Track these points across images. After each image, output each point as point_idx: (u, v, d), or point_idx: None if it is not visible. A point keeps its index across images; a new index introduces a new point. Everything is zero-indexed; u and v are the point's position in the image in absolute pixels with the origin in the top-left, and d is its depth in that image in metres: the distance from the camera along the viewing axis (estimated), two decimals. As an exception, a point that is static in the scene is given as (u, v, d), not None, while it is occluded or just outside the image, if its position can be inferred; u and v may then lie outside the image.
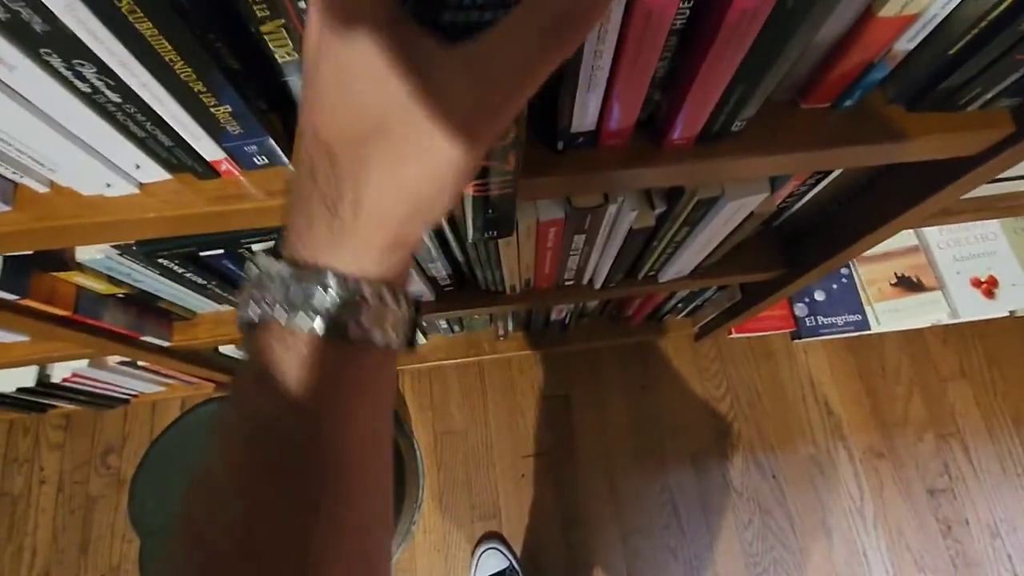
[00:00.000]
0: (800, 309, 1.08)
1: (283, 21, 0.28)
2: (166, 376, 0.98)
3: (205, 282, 0.57)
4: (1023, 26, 0.32)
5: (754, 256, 0.73)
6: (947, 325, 1.19)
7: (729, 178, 0.47)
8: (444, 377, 1.21)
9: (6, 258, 0.46)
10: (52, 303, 0.51)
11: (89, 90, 0.29)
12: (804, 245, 0.70)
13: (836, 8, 0.31)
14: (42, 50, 0.26)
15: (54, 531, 1.10)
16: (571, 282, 0.69)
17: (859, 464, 1.17)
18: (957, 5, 0.31)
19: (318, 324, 0.19)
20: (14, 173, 0.35)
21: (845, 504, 1.14)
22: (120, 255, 0.50)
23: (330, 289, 0.19)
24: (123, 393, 1.03)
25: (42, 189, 0.37)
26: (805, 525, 1.12)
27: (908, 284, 1.07)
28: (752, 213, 0.54)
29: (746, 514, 1.13)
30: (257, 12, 0.30)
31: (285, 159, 0.38)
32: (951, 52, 0.35)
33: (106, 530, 1.10)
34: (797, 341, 1.11)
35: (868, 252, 1.08)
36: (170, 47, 0.27)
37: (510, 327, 1.05)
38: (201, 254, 0.50)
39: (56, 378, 0.82)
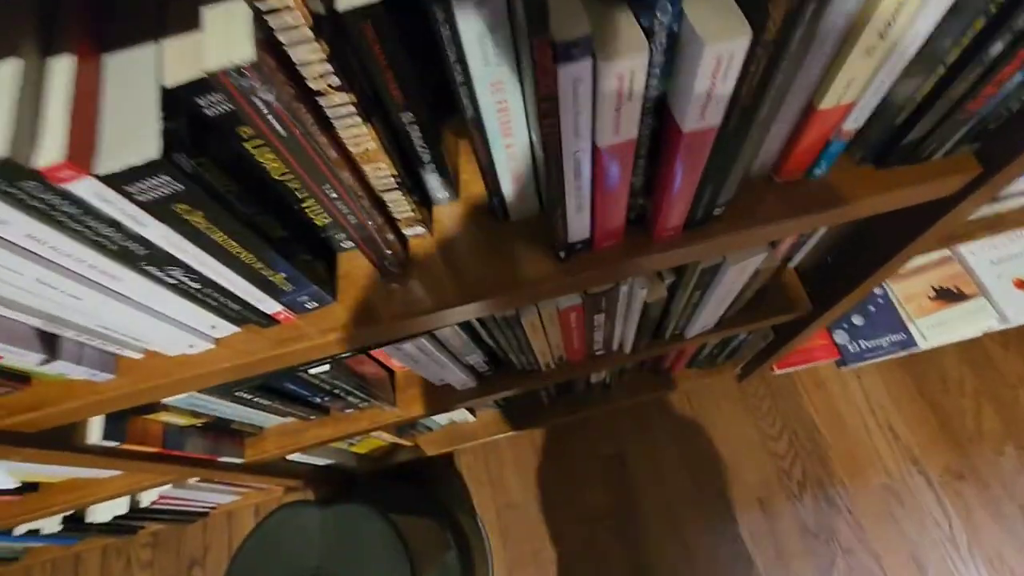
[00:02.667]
0: (840, 336, 1.07)
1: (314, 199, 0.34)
2: (241, 487, 1.04)
3: (270, 403, 0.64)
4: (954, 94, 0.36)
5: (777, 299, 0.75)
6: (1004, 330, 1.15)
7: (725, 251, 0.51)
8: (498, 451, 1.23)
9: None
10: (144, 442, 0.58)
11: (175, 283, 0.36)
12: (824, 281, 0.72)
13: (779, 112, 0.36)
14: (141, 263, 0.33)
15: (150, 649, 1.15)
16: (601, 352, 0.73)
17: (939, 488, 1.11)
18: (889, 90, 0.36)
19: None
20: (116, 348, 0.42)
21: (933, 534, 1.08)
22: (201, 393, 0.57)
23: None
24: (203, 507, 1.10)
25: (138, 356, 0.44)
26: (894, 562, 1.06)
27: (948, 295, 1.05)
28: (758, 270, 0.57)
29: (827, 556, 1.08)
30: (298, 195, 0.37)
31: (331, 299, 0.44)
32: (898, 122, 0.39)
33: (197, 643, 1.14)
34: (843, 368, 1.09)
35: (901, 269, 1.07)
36: (235, 244, 0.33)
37: (553, 395, 1.08)
38: (269, 384, 0.57)
39: (145, 502, 0.89)
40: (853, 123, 0.38)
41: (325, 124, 0.31)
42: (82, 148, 0.25)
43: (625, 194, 0.37)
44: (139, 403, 0.46)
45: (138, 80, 0.27)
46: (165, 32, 0.28)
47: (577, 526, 1.16)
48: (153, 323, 0.39)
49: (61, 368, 0.40)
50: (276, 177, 0.35)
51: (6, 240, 0.28)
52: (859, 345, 1.05)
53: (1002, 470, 1.11)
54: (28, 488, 0.73)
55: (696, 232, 0.43)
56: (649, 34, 0.26)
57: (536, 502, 1.18)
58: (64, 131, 0.25)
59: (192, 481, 0.91)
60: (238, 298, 0.39)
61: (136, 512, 0.91)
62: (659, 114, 0.31)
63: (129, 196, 0.27)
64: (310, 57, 0.26)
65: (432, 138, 0.39)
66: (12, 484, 0.53)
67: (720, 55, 0.26)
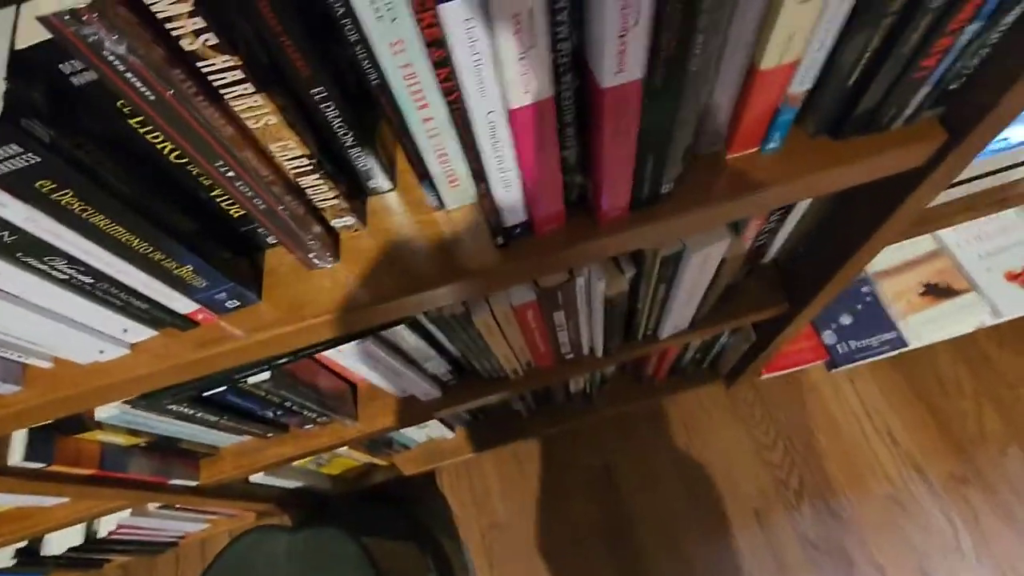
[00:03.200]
0: (829, 337, 1.03)
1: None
2: (207, 513, 1.00)
3: (216, 418, 0.60)
4: (905, 49, 0.33)
5: (753, 296, 0.72)
6: (998, 326, 1.11)
7: (680, 234, 0.48)
8: (481, 468, 1.18)
9: (30, 430, 0.50)
10: (78, 464, 0.54)
11: (65, 277, 0.32)
12: (799, 277, 0.69)
13: (718, 74, 0.34)
14: (16, 253, 0.30)
15: None
16: (571, 355, 0.69)
17: (944, 495, 1.06)
18: (835, 47, 0.33)
19: None
20: (19, 356, 0.39)
21: (939, 542, 1.02)
22: (133, 408, 0.53)
23: None
24: (170, 537, 1.05)
25: (46, 365, 0.41)
26: (899, 572, 1.01)
27: (937, 291, 1.02)
28: (724, 259, 0.54)
29: (830, 570, 1.02)
30: (203, 182, 0.34)
31: (255, 297, 0.41)
32: (849, 84, 0.36)
33: None
34: (834, 371, 1.05)
35: (885, 266, 1.05)
36: (123, 230, 0.30)
37: (533, 406, 1.04)
38: (205, 394, 0.53)
39: (103, 532, 0.85)
40: (800, 85, 0.35)
41: (214, 95, 0.28)
42: (-92, 111, 0.22)
43: (556, 168, 0.34)
44: (51, 417, 0.43)
45: (-12, 42, 0.24)
46: (24, -5, 0.25)
47: (566, 545, 1.10)
48: (53, 326, 0.36)
49: (-44, 379, 0.37)
50: (172, 160, 0.32)
51: None
52: (848, 345, 1.02)
53: (1008, 473, 1.06)
54: (-32, 520, 0.69)
55: (644, 212, 0.40)
56: (544, -32, 0.23)
57: (522, 521, 1.13)
58: None
59: (152, 508, 0.87)
60: (142, 295, 0.36)
61: (94, 543, 0.86)
62: (577, 69, 0.29)
63: (-25, 170, 0.24)
64: (175, 10, 0.24)
65: (353, 120, 0.36)
66: (-77, 512, 0.49)
67: (625, -11, 0.23)
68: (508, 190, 0.34)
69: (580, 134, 0.33)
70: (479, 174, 0.33)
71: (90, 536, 0.84)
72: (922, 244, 1.06)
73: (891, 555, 1.02)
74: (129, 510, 0.84)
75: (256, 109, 0.30)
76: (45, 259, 0.30)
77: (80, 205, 0.28)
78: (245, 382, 0.52)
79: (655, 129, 0.32)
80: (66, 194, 0.27)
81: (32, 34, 0.24)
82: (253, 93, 0.29)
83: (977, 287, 1.00)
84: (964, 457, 1.08)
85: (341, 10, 0.26)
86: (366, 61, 0.29)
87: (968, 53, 0.35)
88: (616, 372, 1.02)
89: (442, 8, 0.22)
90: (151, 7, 0.23)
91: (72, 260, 0.31)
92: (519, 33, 0.24)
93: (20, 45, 0.24)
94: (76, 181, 0.27)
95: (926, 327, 1.00)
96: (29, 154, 0.24)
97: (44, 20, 0.21)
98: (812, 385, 1.17)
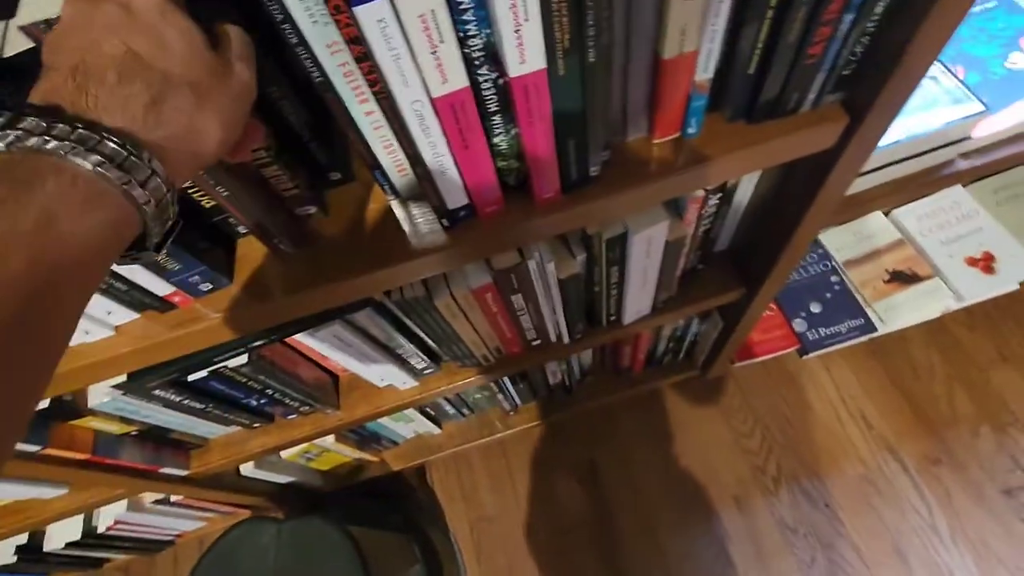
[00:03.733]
0: (799, 324, 1.07)
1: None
2: (203, 510, 1.03)
3: (203, 406, 0.64)
4: (790, 39, 0.38)
5: (711, 282, 0.76)
6: (969, 311, 1.15)
7: (614, 214, 0.52)
8: (469, 462, 1.22)
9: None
10: (71, 449, 0.58)
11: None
12: (750, 262, 0.72)
13: (627, 66, 0.38)
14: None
15: None
16: (538, 342, 0.73)
17: (916, 475, 1.09)
18: (725, 39, 0.37)
19: (93, 160, 0.22)
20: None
21: (913, 522, 1.05)
22: (124, 395, 0.57)
23: (107, 141, 0.23)
24: (167, 535, 1.08)
25: (39, 347, 0.45)
26: (875, 553, 1.03)
27: (902, 278, 1.05)
28: (669, 241, 0.58)
29: (807, 552, 1.05)
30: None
31: (227, 281, 0.45)
32: (750, 72, 0.41)
33: None
34: (807, 357, 1.08)
35: (853, 255, 1.08)
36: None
37: (517, 401, 1.07)
38: (189, 379, 0.57)
39: (101, 528, 0.88)
40: (704, 72, 0.40)
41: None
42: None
43: (485, 152, 0.38)
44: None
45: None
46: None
47: (552, 537, 1.13)
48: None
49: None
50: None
51: None
52: (818, 332, 1.05)
53: (979, 452, 1.09)
54: (-30, 512, 0.73)
55: (576, 194, 0.44)
56: (444, -25, 0.27)
57: (509, 514, 1.16)
58: None
59: (148, 503, 0.90)
60: (123, 278, 0.40)
61: (93, 538, 0.90)
62: (493, 61, 0.33)
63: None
64: (136, 19, 0.28)
65: (309, 116, 0.41)
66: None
67: (513, -8, 0.27)
68: (444, 174, 0.39)
69: (506, 120, 0.38)
70: (415, 159, 0.37)
71: (89, 531, 0.88)
72: (886, 234, 1.10)
73: (867, 536, 1.05)
74: (125, 503, 0.87)
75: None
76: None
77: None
78: (226, 367, 0.56)
79: (568, 114, 0.36)
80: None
81: (18, 44, 0.29)
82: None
83: (940, 273, 1.04)
84: (936, 439, 1.11)
85: (280, 16, 0.30)
86: (308, 61, 0.33)
87: (851, 41, 0.39)
88: (594, 364, 1.05)
89: (356, 10, 0.27)
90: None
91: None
92: (428, 30, 0.29)
93: (7, 54, 0.29)
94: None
95: (893, 312, 1.04)
96: (15, 144, 0.29)
97: (24, 29, 0.26)
98: (788, 374, 1.20)
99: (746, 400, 1.20)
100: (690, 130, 0.45)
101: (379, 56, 0.29)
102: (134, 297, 0.42)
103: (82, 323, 0.43)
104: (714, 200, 0.57)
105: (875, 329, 1.04)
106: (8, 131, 0.22)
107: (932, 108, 0.58)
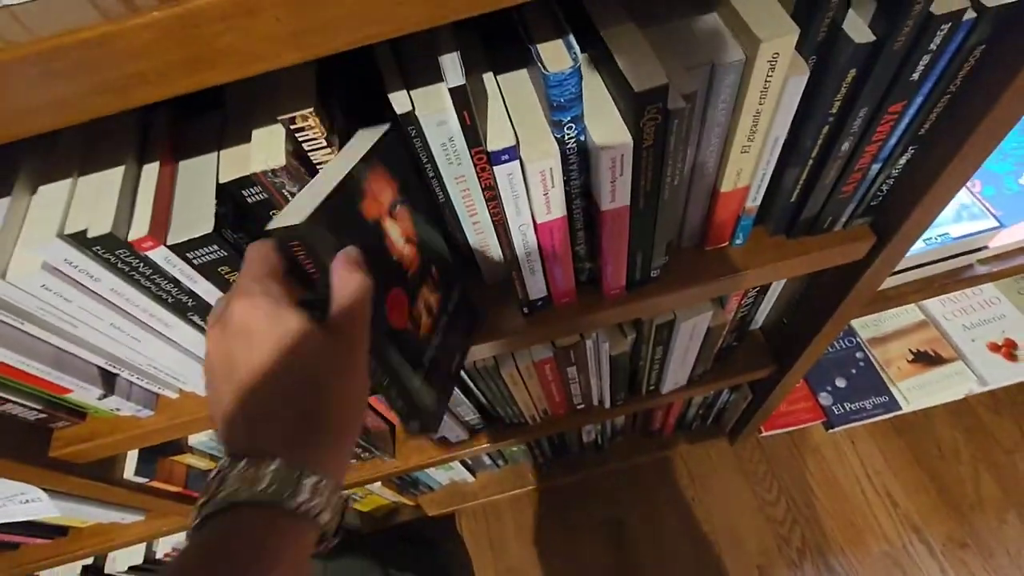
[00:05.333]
0: (824, 398, 1.11)
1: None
2: (248, 543, 1.08)
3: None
4: (828, 180, 0.45)
5: (744, 359, 0.82)
6: (993, 394, 1.18)
7: (668, 307, 0.59)
8: (498, 513, 1.25)
9: (141, 449, 0.62)
10: (169, 481, 0.65)
11: (212, 329, 0.45)
12: (783, 343, 0.79)
13: (686, 196, 0.46)
14: (188, 313, 0.43)
15: None
16: (582, 406, 0.79)
17: (942, 558, 1.10)
18: (771, 178, 0.45)
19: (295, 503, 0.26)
20: (158, 388, 0.51)
21: (940, 605, 1.05)
22: (220, 436, 0.65)
23: (306, 481, 0.26)
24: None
25: (174, 396, 0.53)
26: (900, 634, 1.04)
27: (926, 359, 1.10)
28: (710, 327, 0.65)
29: (831, 628, 1.06)
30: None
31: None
32: (791, 201, 0.48)
33: None
34: (832, 431, 1.12)
35: (877, 333, 1.13)
36: (261, 298, 0.43)
37: (549, 455, 1.12)
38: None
39: (159, 554, 0.94)
40: (753, 201, 0.47)
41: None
42: (160, 225, 0.35)
43: (569, 259, 0.46)
44: (172, 437, 0.54)
45: (202, 178, 0.38)
46: (222, 146, 0.39)
47: (578, 593, 1.16)
48: (193, 366, 0.48)
49: (114, 403, 0.49)
50: (295, 247, 0.45)
51: (94, 292, 0.38)
52: (843, 407, 1.09)
53: (1006, 538, 1.09)
54: (58, 532, 0.80)
55: (638, 291, 0.52)
56: (562, 143, 0.36)
57: (536, 567, 1.19)
58: (148, 214, 0.35)
59: (205, 534, 0.97)
60: (260, 344, 0.48)
61: (150, 563, 0.95)
62: (587, 197, 0.41)
63: (187, 260, 0.37)
64: (326, 158, 0.37)
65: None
66: (56, 512, 0.61)
67: (614, 155, 0.36)
68: (534, 275, 0.47)
69: (589, 235, 0.46)
70: (513, 263, 0.45)
71: (149, 556, 0.94)
72: (911, 315, 1.15)
73: (893, 616, 1.05)
74: (185, 534, 0.93)
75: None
76: (205, 318, 0.43)
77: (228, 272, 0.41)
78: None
79: (640, 234, 0.44)
80: (232, 273, 0.40)
81: (230, 174, 0.38)
82: (360, 207, 0.42)
83: (963, 356, 1.08)
84: (962, 521, 1.12)
85: (425, 158, 0.39)
86: (438, 188, 0.42)
87: (878, 182, 0.47)
88: (626, 425, 1.10)
89: (495, 168, 0.35)
90: (316, 164, 0.36)
91: (223, 318, 0.43)
92: (544, 181, 0.37)
93: (222, 180, 0.38)
94: (238, 265, 0.39)
95: (916, 392, 1.07)
96: (221, 250, 0.37)
97: (254, 175, 0.35)
98: (814, 445, 1.23)
99: (771, 468, 1.22)
100: (737, 241, 0.52)
101: (504, 196, 0.38)
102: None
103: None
104: (752, 293, 0.64)
105: (899, 407, 1.08)
106: (222, 490, 0.25)
107: (953, 222, 0.65)
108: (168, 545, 0.95)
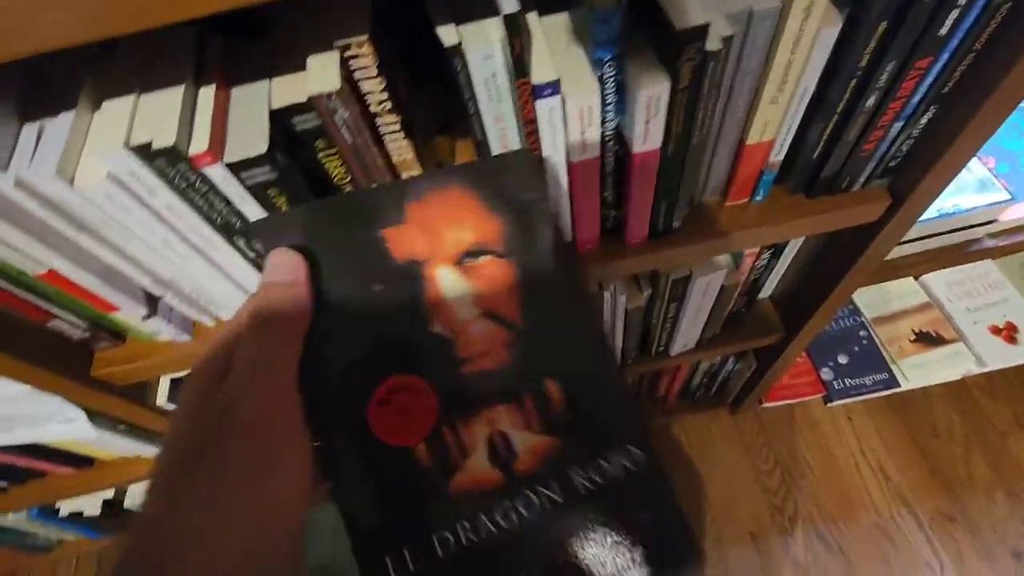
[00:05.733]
0: (826, 373, 1.14)
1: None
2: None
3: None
4: (851, 136, 0.47)
5: (752, 325, 0.84)
6: (990, 376, 1.21)
7: (687, 260, 0.61)
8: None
9: (172, 378, 0.65)
10: (197, 412, 0.68)
11: (255, 256, 0.47)
12: (791, 310, 0.81)
13: (714, 145, 0.48)
14: (234, 236, 0.45)
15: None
16: (593, 363, 0.82)
17: (930, 530, 1.13)
18: (796, 132, 0.47)
19: None
20: (196, 313, 0.54)
21: (924, 575, 1.09)
22: (246, 371, 0.67)
23: None
24: (224, 507, 1.17)
25: (210, 323, 0.55)
26: (885, 601, 1.08)
27: (928, 339, 1.12)
28: (724, 286, 0.67)
29: (819, 593, 1.10)
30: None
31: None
32: (814, 157, 0.50)
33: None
34: (831, 405, 1.15)
35: (882, 312, 1.16)
36: (303, 225, 0.45)
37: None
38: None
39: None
40: (776, 155, 0.49)
41: (378, 138, 0.43)
42: (217, 144, 0.37)
43: (597, 203, 0.48)
44: (206, 363, 0.57)
45: (254, 103, 0.40)
46: (272, 75, 0.41)
47: (574, 551, 1.20)
48: (232, 291, 0.50)
49: (156, 325, 0.52)
50: (335, 182, 0.47)
51: (150, 208, 0.40)
52: (844, 382, 1.12)
53: (993, 516, 1.13)
54: (84, 463, 0.83)
55: (659, 241, 0.54)
56: (601, 81, 0.38)
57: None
58: (207, 132, 0.37)
59: (221, 474, 1.00)
60: (297, 274, 0.50)
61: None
62: (619, 140, 0.43)
63: (241, 180, 0.39)
64: (374, 88, 0.39)
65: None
66: (92, 434, 0.63)
67: (650, 95, 0.37)
68: (560, 219, 0.49)
69: (617, 181, 0.48)
70: (543, 204, 0.47)
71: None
72: (915, 296, 1.17)
73: (878, 583, 1.09)
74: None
75: (402, 148, 0.45)
76: (252, 242, 0.45)
77: (283, 204, 0.43)
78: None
79: (667, 181, 0.46)
80: (281, 198, 0.42)
81: (282, 100, 0.40)
82: (403, 139, 0.44)
83: (964, 338, 1.10)
84: (952, 497, 1.16)
85: (468, 95, 0.41)
86: (477, 126, 0.43)
87: (898, 141, 0.48)
88: (632, 389, 1.13)
89: (537, 102, 0.37)
90: (363, 93, 0.38)
91: (266, 243, 0.46)
92: (582, 118, 0.39)
93: (275, 106, 0.39)
94: (289, 190, 0.41)
95: (916, 371, 1.10)
96: (272, 172, 0.39)
97: (310, 99, 0.36)
98: (813, 420, 1.26)
99: (768, 440, 1.26)
100: (758, 197, 0.54)
101: (542, 132, 0.40)
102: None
103: (252, 307, 0.53)
104: (766, 255, 0.66)
105: (898, 385, 1.10)
106: None
107: (964, 193, 0.66)
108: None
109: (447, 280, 0.25)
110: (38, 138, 0.38)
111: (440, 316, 0.25)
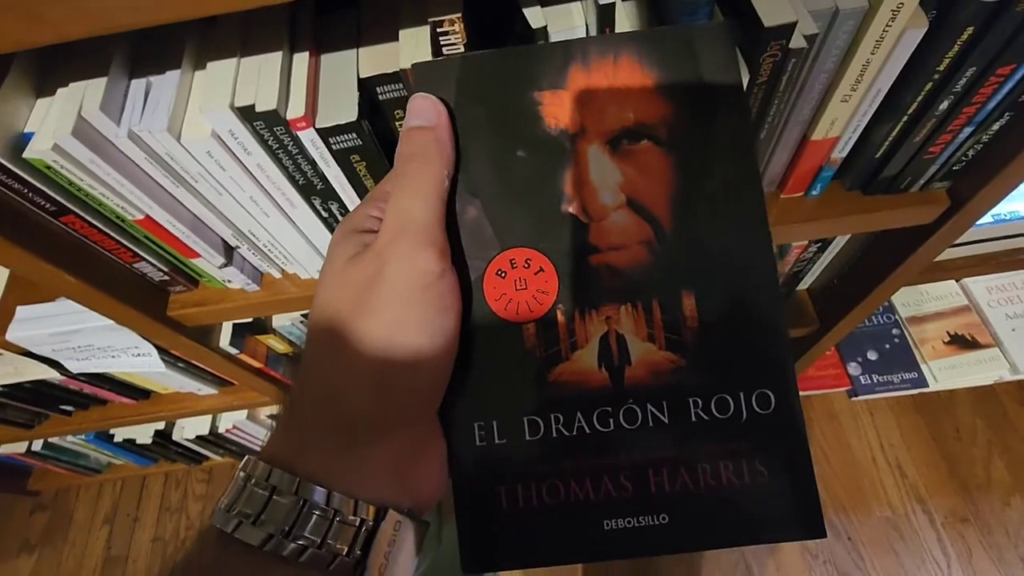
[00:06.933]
0: (854, 368, 1.15)
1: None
2: (296, 432, 1.19)
3: (351, 343, 0.78)
4: (918, 138, 0.47)
5: (788, 315, 0.85)
6: (1022, 384, 1.20)
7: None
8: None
9: (234, 324, 0.69)
10: (254, 357, 0.73)
11: (327, 215, 0.50)
12: (830, 304, 0.82)
13: (779, 139, 0.48)
14: (312, 197, 0.47)
15: (195, 572, 1.29)
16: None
17: (942, 529, 1.15)
18: (866, 130, 0.47)
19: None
20: (266, 265, 0.57)
21: (931, 570, 1.12)
22: (303, 323, 0.71)
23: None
24: (260, 446, 1.25)
25: (277, 275, 0.59)
26: (889, 591, 1.11)
27: (962, 342, 1.11)
28: (767, 276, 0.68)
29: (824, 577, 1.13)
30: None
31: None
32: (876, 156, 0.50)
33: (236, 572, 1.28)
34: (855, 399, 1.16)
35: (917, 313, 1.15)
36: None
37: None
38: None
39: (222, 428, 1.05)
40: (839, 152, 0.50)
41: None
42: (311, 109, 0.40)
43: (657, 187, 0.49)
44: (270, 313, 0.61)
45: (342, 72, 0.42)
46: (360, 45, 0.43)
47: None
48: (306, 248, 0.53)
49: (229, 274, 0.55)
50: (408, 149, 0.49)
51: (244, 165, 0.43)
52: (871, 378, 1.13)
53: (1007, 519, 1.14)
54: (142, 395, 0.89)
55: (712, 228, 0.55)
56: (681, 71, 0.39)
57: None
58: (302, 97, 0.39)
59: (262, 416, 1.06)
60: (364, 235, 0.53)
61: (213, 436, 1.06)
62: (686, 128, 0.44)
63: (328, 144, 0.41)
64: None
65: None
66: (162, 368, 0.68)
67: (728, 89, 0.38)
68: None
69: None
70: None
71: (213, 429, 1.04)
72: (954, 298, 1.16)
73: (882, 573, 1.12)
74: (246, 412, 1.03)
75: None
76: (327, 202, 0.48)
77: (364, 172, 0.45)
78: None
79: (731, 171, 0.47)
80: (362, 164, 0.44)
81: (370, 70, 0.41)
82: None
83: (1000, 344, 1.10)
84: (967, 498, 1.17)
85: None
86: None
87: (965, 146, 0.48)
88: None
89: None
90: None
91: (341, 204, 0.48)
92: (658, 105, 0.40)
93: (363, 74, 0.41)
94: (371, 157, 0.44)
95: (947, 372, 1.10)
96: (357, 139, 0.42)
97: (401, 71, 0.38)
98: (833, 412, 1.27)
99: (788, 429, 1.27)
100: (814, 192, 0.55)
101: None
102: (360, 251, 0.55)
103: (318, 263, 0.56)
104: (813, 247, 0.67)
105: (927, 385, 1.11)
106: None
107: (1022, 199, 0.66)
108: (230, 421, 1.05)
109: (596, 159, 0.23)
110: (146, 93, 0.40)
111: (580, 197, 0.23)
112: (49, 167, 0.40)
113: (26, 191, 0.42)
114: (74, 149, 0.38)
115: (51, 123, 0.39)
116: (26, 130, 0.41)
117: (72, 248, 0.49)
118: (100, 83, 0.39)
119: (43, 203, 0.43)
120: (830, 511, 1.18)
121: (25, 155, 0.39)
